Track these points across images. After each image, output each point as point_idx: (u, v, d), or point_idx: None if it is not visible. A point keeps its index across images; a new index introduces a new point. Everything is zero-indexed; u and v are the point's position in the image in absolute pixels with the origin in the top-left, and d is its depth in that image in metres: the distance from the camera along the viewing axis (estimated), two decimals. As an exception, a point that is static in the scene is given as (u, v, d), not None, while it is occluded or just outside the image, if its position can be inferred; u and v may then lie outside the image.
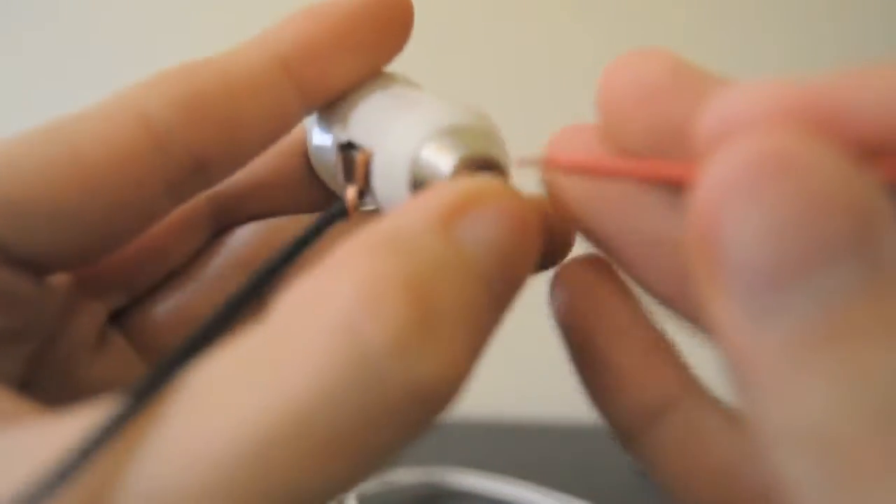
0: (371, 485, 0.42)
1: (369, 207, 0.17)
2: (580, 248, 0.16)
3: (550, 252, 0.16)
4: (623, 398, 0.15)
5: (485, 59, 0.60)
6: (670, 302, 0.14)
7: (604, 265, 0.15)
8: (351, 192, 0.16)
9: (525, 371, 0.54)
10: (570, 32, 0.59)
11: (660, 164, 0.12)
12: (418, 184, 0.15)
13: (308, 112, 0.18)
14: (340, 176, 0.17)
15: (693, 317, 0.14)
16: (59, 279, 0.17)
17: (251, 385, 0.11)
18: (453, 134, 0.15)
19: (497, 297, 0.12)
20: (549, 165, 0.14)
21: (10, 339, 0.16)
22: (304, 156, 0.20)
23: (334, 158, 0.18)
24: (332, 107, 0.18)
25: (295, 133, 0.19)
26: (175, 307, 0.19)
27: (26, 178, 0.14)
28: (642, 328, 0.15)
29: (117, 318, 0.19)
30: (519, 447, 0.51)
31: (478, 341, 0.12)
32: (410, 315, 0.11)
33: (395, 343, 0.11)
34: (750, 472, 0.14)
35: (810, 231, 0.09)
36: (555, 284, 0.16)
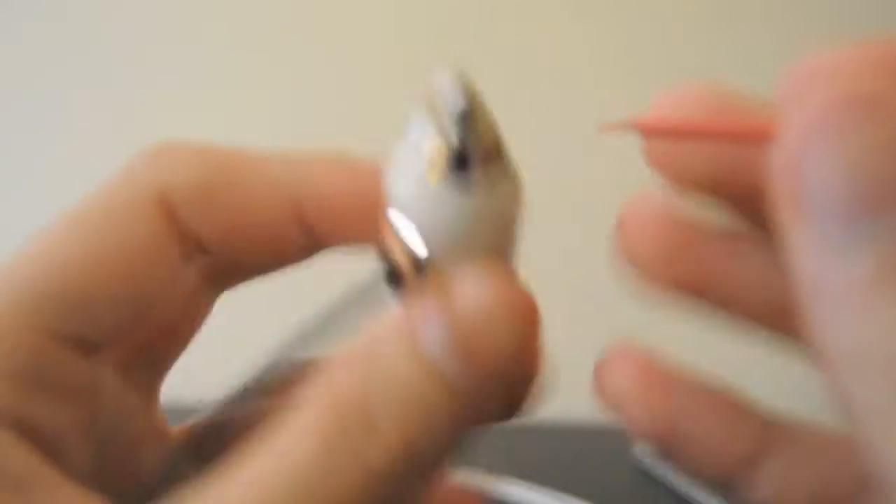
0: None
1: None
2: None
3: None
4: (710, 465, 0.15)
5: (483, 60, 0.59)
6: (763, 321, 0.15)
7: (641, 354, 0.16)
8: (400, 257, 0.15)
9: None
10: (569, 33, 0.59)
11: (745, 121, 0.13)
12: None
13: (318, 250, 0.18)
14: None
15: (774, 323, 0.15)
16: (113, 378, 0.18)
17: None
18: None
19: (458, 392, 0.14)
20: (636, 129, 0.15)
21: (79, 430, 0.16)
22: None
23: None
24: None
25: None
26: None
27: (64, 272, 0.16)
28: (707, 401, 0.15)
29: None
30: (519, 447, 0.51)
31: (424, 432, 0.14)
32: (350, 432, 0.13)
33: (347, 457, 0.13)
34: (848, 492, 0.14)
35: (892, 169, 0.10)
36: (605, 383, 0.16)
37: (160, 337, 0.19)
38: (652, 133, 0.14)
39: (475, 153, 0.15)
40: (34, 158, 0.63)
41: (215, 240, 0.17)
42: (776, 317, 0.15)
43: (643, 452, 0.59)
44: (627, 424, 0.15)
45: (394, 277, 0.15)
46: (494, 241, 0.15)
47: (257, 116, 0.62)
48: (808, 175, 0.10)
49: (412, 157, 0.15)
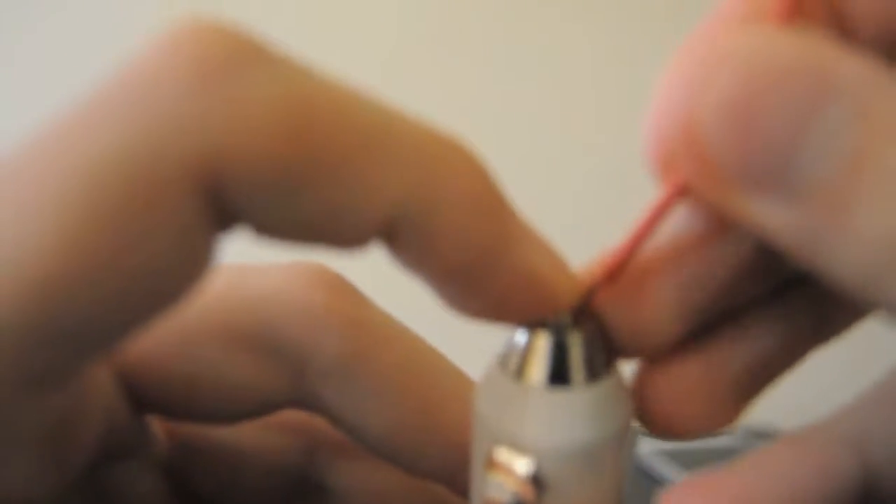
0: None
1: None
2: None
3: None
4: None
5: (482, 62, 0.59)
6: None
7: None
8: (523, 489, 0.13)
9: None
10: (569, 33, 0.59)
11: (654, 203, 0.12)
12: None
13: None
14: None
15: None
16: None
17: None
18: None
19: None
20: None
21: None
22: None
23: None
24: None
25: None
26: None
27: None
28: None
29: None
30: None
31: None
32: None
33: None
34: None
35: (781, 99, 0.09)
36: None
37: None
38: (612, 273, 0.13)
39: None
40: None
41: None
42: None
43: (643, 452, 0.59)
44: None
45: None
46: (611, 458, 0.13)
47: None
48: (708, 146, 0.10)
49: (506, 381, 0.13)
